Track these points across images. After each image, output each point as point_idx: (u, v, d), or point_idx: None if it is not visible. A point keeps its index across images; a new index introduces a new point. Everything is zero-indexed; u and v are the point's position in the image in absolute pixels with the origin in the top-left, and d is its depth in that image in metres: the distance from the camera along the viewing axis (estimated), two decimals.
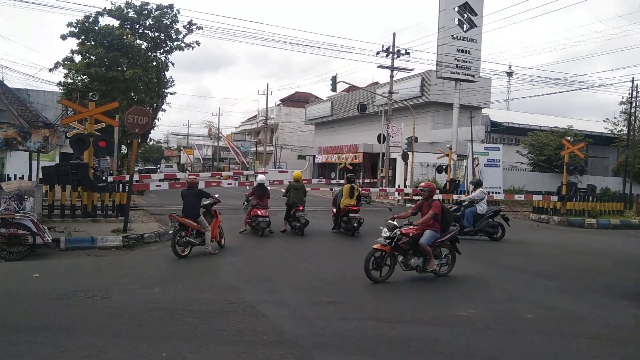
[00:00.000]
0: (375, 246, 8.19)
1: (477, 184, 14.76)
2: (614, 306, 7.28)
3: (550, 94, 42.04)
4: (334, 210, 14.28)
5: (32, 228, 9.21)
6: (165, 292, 7.00)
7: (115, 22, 25.73)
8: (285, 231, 13.54)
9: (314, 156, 51.72)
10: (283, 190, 14.15)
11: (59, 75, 54.41)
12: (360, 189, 15.37)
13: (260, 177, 13.93)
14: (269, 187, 14.13)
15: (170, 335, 5.29)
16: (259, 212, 12.82)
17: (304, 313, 6.27)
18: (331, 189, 20.71)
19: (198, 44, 26.94)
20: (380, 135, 31.92)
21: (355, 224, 13.31)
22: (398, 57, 30.81)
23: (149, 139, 35.26)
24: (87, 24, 24.48)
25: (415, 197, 26.20)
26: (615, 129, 34.45)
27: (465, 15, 29.37)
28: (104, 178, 16.19)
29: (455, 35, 29.08)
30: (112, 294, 6.84)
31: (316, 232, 13.94)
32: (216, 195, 11.17)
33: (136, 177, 17.82)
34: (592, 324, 6.34)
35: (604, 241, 14.90)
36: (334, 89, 30.57)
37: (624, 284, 8.88)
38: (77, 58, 25.20)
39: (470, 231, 13.58)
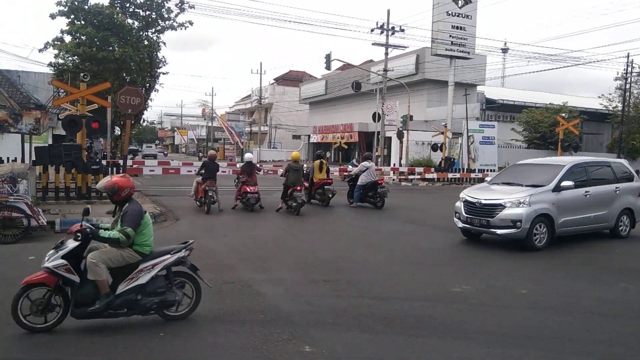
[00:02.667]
0: None
1: (365, 157, 16.06)
2: (606, 281, 7.36)
3: (546, 70, 42.04)
4: (306, 184, 15.03)
5: (26, 210, 9.18)
6: None
7: (106, 1, 25.26)
8: (281, 209, 13.63)
9: (309, 136, 51.58)
10: (281, 171, 14.54)
11: (49, 55, 53.70)
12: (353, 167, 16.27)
13: (248, 154, 15.31)
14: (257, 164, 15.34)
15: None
16: (248, 189, 13.42)
17: (300, 291, 6.32)
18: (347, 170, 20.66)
19: (191, 23, 26.48)
20: (375, 113, 31.81)
21: (330, 195, 14.97)
22: (393, 34, 30.51)
23: (142, 120, 34.96)
24: (76, 3, 23.99)
25: (410, 177, 26.29)
26: (610, 105, 34.48)
27: None
28: (97, 160, 16.10)
29: (450, 12, 28.80)
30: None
31: (311, 211, 13.98)
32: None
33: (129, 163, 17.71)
34: (585, 299, 6.42)
35: None
36: (328, 67, 30.34)
37: (617, 259, 8.98)
38: (67, 38, 24.78)
39: (352, 203, 15.26)
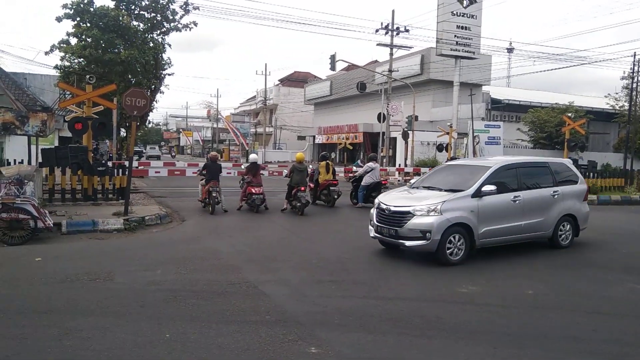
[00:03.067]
0: None
1: (370, 158, 16.12)
2: (613, 281, 7.32)
3: (551, 70, 41.82)
4: (311, 185, 15.23)
5: (33, 212, 9.22)
6: (167, 274, 7.04)
7: (111, 3, 25.41)
8: (285, 210, 13.72)
9: (314, 136, 51.56)
10: (286, 171, 14.63)
11: (56, 58, 53.95)
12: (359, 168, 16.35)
13: (253, 155, 15.15)
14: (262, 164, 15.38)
15: (173, 316, 5.33)
16: (254, 190, 13.50)
17: (305, 292, 6.32)
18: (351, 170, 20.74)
19: (195, 24, 26.62)
20: (380, 114, 31.77)
21: (336, 196, 14.96)
22: (397, 34, 30.48)
23: (147, 122, 35.12)
24: (82, 5, 24.15)
25: (416, 177, 26.21)
26: (616, 104, 34.23)
27: None
28: (103, 162, 16.17)
29: (455, 12, 28.71)
30: (115, 276, 6.88)
31: (316, 212, 14.00)
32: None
33: (135, 164, 17.79)
34: (592, 299, 6.39)
35: (604, 217, 14.91)
36: (333, 67, 30.33)
37: (624, 259, 8.93)
38: (73, 41, 24.94)
39: (356, 203, 15.45)
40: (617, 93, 34.40)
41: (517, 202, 8.56)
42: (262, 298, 6.02)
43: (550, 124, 32.35)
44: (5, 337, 4.66)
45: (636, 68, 29.31)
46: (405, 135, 29.41)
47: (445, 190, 8.36)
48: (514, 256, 8.82)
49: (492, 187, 8.13)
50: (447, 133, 28.35)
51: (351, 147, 40.86)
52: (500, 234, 8.41)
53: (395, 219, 8.09)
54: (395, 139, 33.43)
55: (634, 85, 29.69)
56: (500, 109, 38.31)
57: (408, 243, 7.88)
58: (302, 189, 13.47)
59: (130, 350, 4.48)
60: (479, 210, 8.07)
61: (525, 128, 34.80)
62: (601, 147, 38.95)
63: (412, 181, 10.85)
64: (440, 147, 29.08)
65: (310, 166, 15.66)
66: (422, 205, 7.90)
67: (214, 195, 13.13)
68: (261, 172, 14.56)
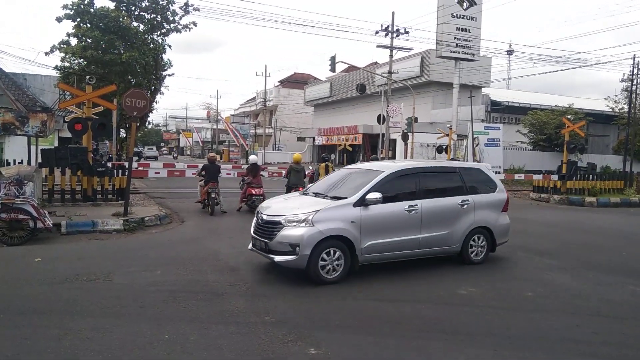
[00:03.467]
0: None
1: (371, 160, 16.01)
2: (613, 283, 7.32)
3: (551, 72, 41.86)
4: None
5: (32, 213, 9.21)
6: (167, 275, 7.03)
7: (111, 4, 25.42)
8: None
9: (314, 138, 51.58)
10: (284, 172, 14.67)
11: (56, 59, 53.96)
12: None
13: (252, 157, 15.25)
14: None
15: (173, 316, 5.32)
16: (254, 192, 13.63)
17: (305, 293, 6.31)
18: None
19: (195, 24, 26.64)
20: (380, 115, 31.81)
21: None
22: (397, 36, 30.54)
23: (147, 123, 35.12)
24: (82, 6, 24.16)
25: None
26: (616, 106, 34.26)
27: None
28: (103, 162, 16.16)
29: (455, 14, 28.75)
30: (115, 277, 6.87)
31: None
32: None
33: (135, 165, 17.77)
34: (592, 301, 6.39)
35: (604, 219, 14.93)
36: (333, 69, 30.36)
37: (624, 262, 8.93)
38: (74, 41, 24.94)
39: None
40: (616, 95, 34.41)
41: (414, 212, 7.41)
42: (262, 299, 6.01)
43: (550, 126, 32.39)
44: (4, 338, 4.65)
45: (636, 70, 29.34)
46: (405, 137, 29.44)
47: (331, 198, 7.34)
48: (512, 259, 8.82)
49: (377, 195, 6.99)
50: (447, 135, 28.38)
51: (351, 149, 40.89)
52: (390, 248, 7.27)
53: (266, 229, 7.02)
54: (395, 140, 33.48)
55: (634, 87, 29.72)
56: (500, 111, 38.35)
57: (277, 258, 6.73)
58: (300, 189, 13.47)
59: (129, 350, 4.47)
60: (362, 222, 6.94)
61: (525, 130, 34.83)
62: (601, 149, 38.99)
63: (309, 185, 9.53)
64: (439, 149, 29.13)
65: (310, 167, 15.65)
66: (294, 215, 6.82)
67: (212, 196, 13.17)
68: (261, 173, 14.61)
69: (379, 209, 7.13)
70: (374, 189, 7.15)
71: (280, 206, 7.39)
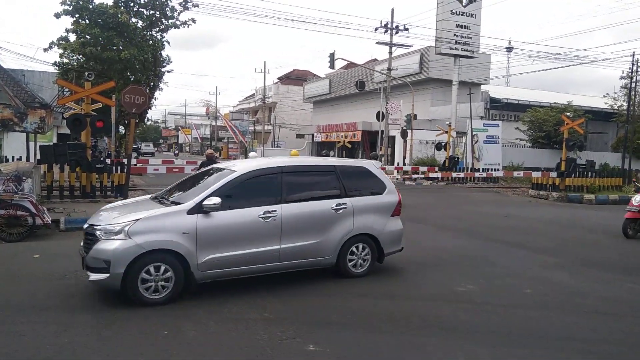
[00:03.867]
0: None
1: (371, 157, 15.47)
2: (611, 281, 7.33)
3: (550, 69, 41.91)
4: None
5: (31, 209, 9.21)
6: None
7: (110, 0, 25.35)
8: None
9: (313, 135, 51.52)
10: None
11: (54, 55, 53.85)
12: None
13: (252, 154, 15.46)
14: None
15: (170, 312, 5.32)
16: None
17: (304, 290, 6.31)
18: None
19: (194, 21, 26.58)
20: (379, 112, 31.75)
21: None
22: (397, 33, 30.47)
23: (146, 119, 35.07)
24: (81, 2, 24.09)
25: (414, 176, 26.25)
26: (615, 104, 34.32)
27: None
28: (102, 159, 16.14)
29: (454, 11, 28.72)
30: None
31: None
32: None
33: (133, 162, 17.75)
34: (591, 298, 6.40)
35: (602, 217, 14.94)
36: (332, 66, 30.32)
37: (622, 259, 8.95)
38: (72, 37, 24.89)
39: None
40: (615, 93, 34.52)
41: (272, 219, 6.23)
42: (261, 296, 6.01)
43: (549, 123, 32.41)
44: (3, 334, 4.65)
45: (635, 68, 29.35)
46: (404, 134, 29.42)
47: (172, 203, 6.23)
48: (511, 256, 8.84)
49: (215, 201, 5.84)
50: (446, 132, 28.36)
51: (350, 146, 40.84)
52: (239, 262, 6.06)
53: (86, 241, 5.92)
54: (394, 137, 33.43)
55: (633, 84, 29.73)
56: (499, 108, 38.32)
57: (92, 277, 5.57)
58: None
59: (127, 348, 4.47)
60: (198, 232, 5.79)
61: (524, 127, 34.84)
62: (599, 146, 39.01)
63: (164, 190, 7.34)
64: (438, 146, 29.09)
65: None
66: (111, 225, 5.70)
67: None
68: None
69: (223, 217, 5.99)
70: (216, 193, 5.98)
71: (109, 214, 6.15)
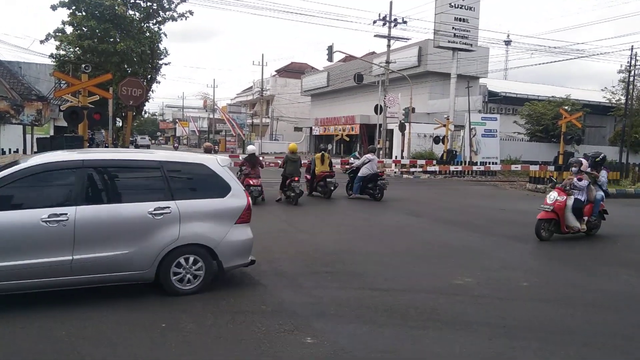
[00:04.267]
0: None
1: (370, 150, 16.10)
2: (608, 273, 7.37)
3: (549, 62, 41.81)
4: (308, 177, 15.49)
5: None
6: None
7: None
8: (280, 200, 13.96)
9: (311, 128, 51.46)
10: (280, 162, 14.76)
11: (51, 47, 53.54)
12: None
13: (251, 147, 15.24)
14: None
15: (168, 306, 5.32)
16: (251, 182, 13.42)
17: (302, 282, 6.32)
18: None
19: (191, 13, 26.50)
20: (377, 106, 31.72)
21: (332, 188, 14.92)
22: (395, 26, 30.38)
23: (143, 112, 34.99)
24: None
25: (412, 169, 26.26)
26: (613, 98, 34.32)
27: None
28: None
29: (452, 4, 28.62)
30: None
31: (312, 203, 14.04)
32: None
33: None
34: (587, 291, 6.42)
35: None
36: (330, 58, 30.23)
37: (619, 252, 8.98)
38: (69, 29, 24.78)
39: (351, 194, 15.55)
40: (613, 86, 34.49)
41: (60, 224, 5.10)
42: (258, 288, 6.02)
43: (547, 117, 32.43)
44: (2, 333, 4.65)
45: (633, 62, 29.35)
46: (402, 127, 29.40)
47: None
48: (508, 249, 8.86)
49: None
50: (444, 125, 28.35)
51: (348, 139, 40.81)
52: (11, 276, 4.98)
53: None
54: (392, 130, 33.42)
55: (631, 78, 29.73)
56: (497, 102, 38.31)
57: None
58: (296, 179, 13.71)
59: (125, 340, 4.47)
60: None
61: (522, 121, 34.85)
62: (597, 140, 39.06)
63: None
64: (437, 140, 29.10)
65: (307, 157, 15.71)
66: None
67: None
68: (259, 167, 14.56)
69: None
70: None
71: None
